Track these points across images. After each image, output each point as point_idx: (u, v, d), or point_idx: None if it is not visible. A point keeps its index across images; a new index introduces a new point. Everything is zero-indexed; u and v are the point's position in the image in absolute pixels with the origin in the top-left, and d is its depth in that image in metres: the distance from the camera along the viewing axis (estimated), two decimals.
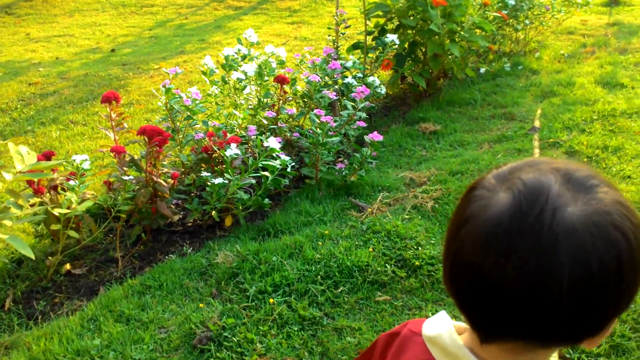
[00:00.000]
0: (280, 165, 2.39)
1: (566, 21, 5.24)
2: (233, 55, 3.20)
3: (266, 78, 3.25)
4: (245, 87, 3.19)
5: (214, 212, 2.43)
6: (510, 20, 4.57)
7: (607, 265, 0.52)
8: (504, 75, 4.31)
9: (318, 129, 2.68)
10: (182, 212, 2.68)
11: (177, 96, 2.70)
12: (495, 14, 3.85)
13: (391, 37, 3.38)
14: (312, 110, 2.86)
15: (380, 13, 3.82)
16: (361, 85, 3.31)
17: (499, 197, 0.55)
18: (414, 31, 3.77)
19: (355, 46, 3.91)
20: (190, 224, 2.60)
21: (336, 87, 3.43)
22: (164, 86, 2.64)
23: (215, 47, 5.74)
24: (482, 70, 4.33)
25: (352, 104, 2.91)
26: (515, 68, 4.42)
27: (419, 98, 4.03)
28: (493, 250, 0.54)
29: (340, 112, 3.03)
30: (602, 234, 0.52)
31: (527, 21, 4.69)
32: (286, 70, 3.41)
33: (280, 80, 3.20)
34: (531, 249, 0.52)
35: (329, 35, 3.81)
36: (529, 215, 0.52)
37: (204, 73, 3.17)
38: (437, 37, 3.61)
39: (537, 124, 3.31)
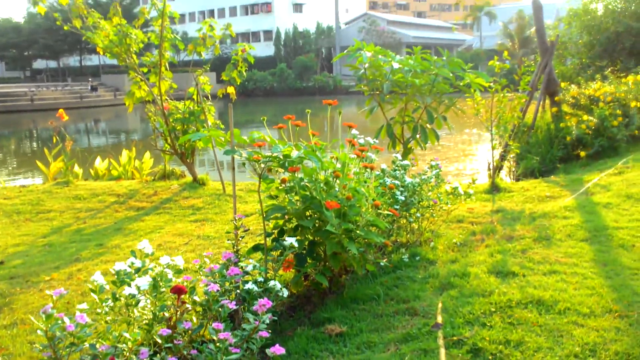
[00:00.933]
0: None
1: (454, 211, 5.59)
2: (125, 270, 3.07)
3: (162, 289, 3.12)
4: (138, 301, 3.02)
5: None
6: (404, 213, 4.81)
7: None
8: (403, 267, 4.41)
9: (216, 346, 2.52)
10: None
11: (59, 321, 2.49)
12: (387, 212, 4.04)
13: (290, 240, 3.42)
14: (212, 322, 2.72)
15: (279, 215, 3.90)
16: (262, 289, 3.25)
17: None
18: (312, 231, 3.85)
19: (255, 248, 3.91)
20: None
21: (237, 291, 3.34)
22: (44, 312, 2.43)
23: (114, 252, 5.57)
24: (382, 263, 4.42)
25: (254, 316, 2.80)
26: (413, 259, 4.56)
27: (324, 295, 4.00)
28: None
29: (243, 325, 2.90)
30: None
31: (418, 214, 4.96)
32: (184, 279, 3.30)
33: (177, 290, 3.08)
34: None
35: (229, 240, 3.80)
36: None
37: (93, 291, 2.99)
38: (334, 236, 3.69)
39: (439, 319, 3.32)
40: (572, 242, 4.57)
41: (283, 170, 3.85)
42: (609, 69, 13.23)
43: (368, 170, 4.09)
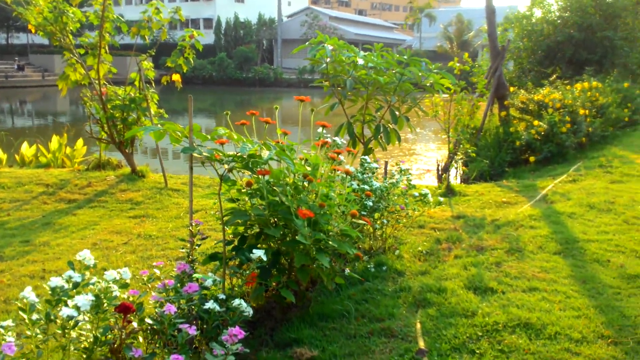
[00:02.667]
0: None
1: (415, 213, 5.31)
2: (62, 287, 2.57)
3: (106, 308, 2.65)
4: (77, 322, 2.54)
5: None
6: (370, 220, 4.47)
7: None
8: (370, 277, 4.08)
9: None
10: None
11: None
12: (360, 221, 3.68)
13: (257, 253, 3.00)
14: (165, 348, 2.29)
15: (240, 221, 3.47)
16: (224, 309, 2.84)
17: None
18: (278, 240, 3.45)
19: (212, 257, 3.47)
20: None
21: (192, 305, 2.91)
22: None
23: (42, 250, 4.96)
24: (347, 272, 4.07)
25: (223, 348, 2.37)
26: (379, 269, 4.23)
27: (286, 310, 3.61)
28: None
29: (206, 357, 2.46)
30: None
31: (384, 220, 4.64)
32: (131, 293, 2.83)
33: (124, 309, 2.62)
34: None
35: (183, 247, 3.34)
36: None
37: (23, 310, 2.48)
38: (303, 247, 3.30)
39: (421, 344, 3.00)
40: (544, 255, 4.37)
41: (246, 172, 3.43)
42: (555, 76, 13.41)
43: (339, 174, 3.72)
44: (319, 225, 3.38)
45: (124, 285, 2.84)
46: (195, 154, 3.25)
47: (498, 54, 10.96)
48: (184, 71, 7.91)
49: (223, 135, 3.30)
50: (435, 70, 5.86)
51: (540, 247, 4.54)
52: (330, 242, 3.34)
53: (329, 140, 3.95)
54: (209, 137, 3.37)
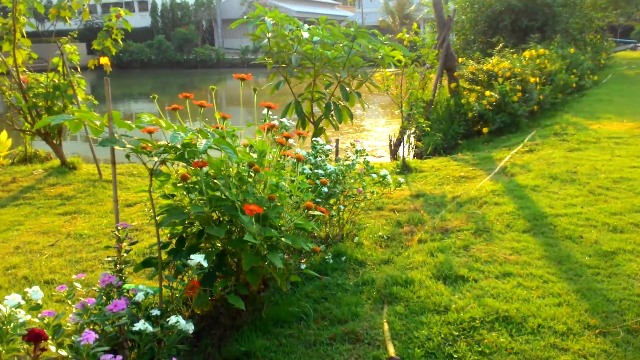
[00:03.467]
0: None
1: (374, 196, 4.95)
2: None
3: (12, 337, 2.17)
4: None
5: None
6: (326, 206, 4.07)
7: None
8: (329, 270, 3.68)
9: None
10: None
11: None
12: (316, 212, 3.26)
13: (196, 258, 2.53)
14: None
15: (177, 221, 2.99)
16: (158, 329, 2.39)
17: None
18: (223, 239, 2.99)
19: (146, 263, 2.98)
20: None
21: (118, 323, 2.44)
22: None
23: None
24: (303, 266, 3.66)
25: None
26: (338, 259, 3.84)
27: (236, 316, 3.17)
28: None
29: None
30: None
31: (341, 205, 4.24)
32: (45, 314, 2.34)
33: (34, 337, 2.16)
34: None
35: (108, 256, 2.84)
36: None
37: None
38: (252, 246, 2.86)
39: (391, 350, 2.62)
40: (513, 234, 4.07)
41: (182, 164, 2.95)
42: (501, 45, 13.25)
43: (289, 159, 3.28)
44: (269, 219, 2.94)
45: (35, 307, 2.35)
46: (117, 147, 2.75)
47: (444, 24, 10.65)
48: (113, 53, 7.25)
49: (149, 123, 2.81)
50: (386, 42, 5.45)
51: (508, 226, 4.24)
52: (283, 239, 2.91)
53: (275, 122, 3.49)
54: (134, 125, 2.87)
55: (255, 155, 3.18)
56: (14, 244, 4.68)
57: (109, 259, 2.80)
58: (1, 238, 4.88)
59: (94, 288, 2.67)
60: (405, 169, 7.06)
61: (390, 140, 9.68)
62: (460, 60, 11.35)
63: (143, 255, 4.10)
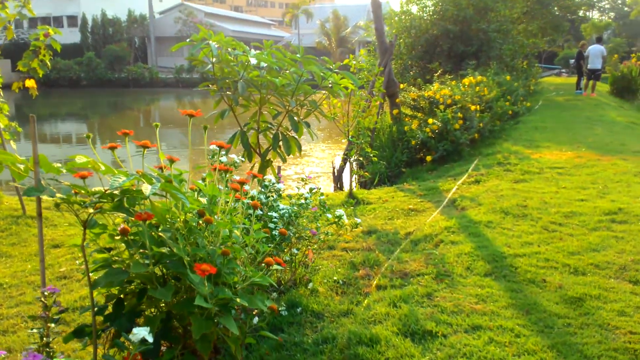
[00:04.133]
0: None
1: (328, 237, 4.68)
2: None
3: None
4: None
5: None
6: (279, 253, 3.76)
7: None
8: (284, 324, 3.37)
9: None
10: None
11: None
12: (277, 266, 2.94)
13: (141, 333, 2.17)
14: None
15: (115, 282, 2.60)
16: None
17: None
18: (169, 302, 2.63)
19: (78, 333, 2.57)
20: None
21: None
22: None
23: None
24: (256, 322, 3.32)
25: None
26: (293, 311, 3.53)
27: None
28: None
29: None
30: None
31: (294, 249, 3.94)
32: None
33: None
34: None
35: (34, 329, 2.42)
36: None
37: None
38: (204, 311, 2.52)
39: None
40: (475, 278, 3.88)
41: (119, 213, 2.58)
42: (440, 70, 13.40)
43: (242, 204, 2.96)
44: (222, 277, 2.60)
45: None
46: (45, 196, 2.35)
47: (386, 49, 10.63)
48: (40, 75, 6.70)
49: (83, 166, 2.43)
50: (335, 70, 5.24)
51: (468, 269, 4.05)
52: (238, 300, 2.58)
53: (231, 166, 3.17)
54: (64, 170, 2.48)
55: (204, 201, 2.85)
56: None
57: (34, 330, 2.37)
58: None
59: None
60: (352, 199, 6.85)
61: (334, 169, 9.48)
62: (401, 86, 11.34)
63: (73, 310, 3.65)
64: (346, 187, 9.16)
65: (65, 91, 37.97)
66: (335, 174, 9.39)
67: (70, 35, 45.00)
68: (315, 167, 12.70)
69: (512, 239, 4.62)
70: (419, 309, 3.41)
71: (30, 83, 6.64)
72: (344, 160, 9.53)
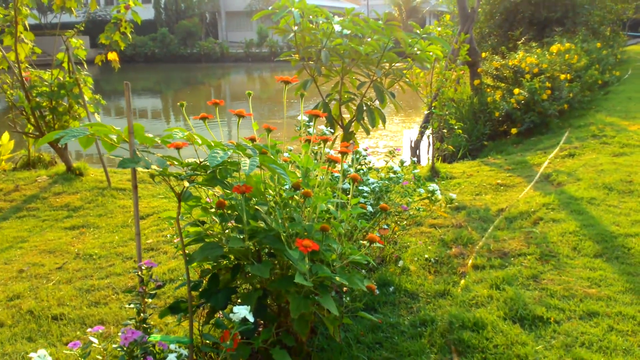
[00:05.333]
0: None
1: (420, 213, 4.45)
2: None
3: None
4: None
5: None
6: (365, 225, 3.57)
7: None
8: (377, 304, 3.20)
9: None
10: None
11: None
12: (377, 244, 2.76)
13: (241, 312, 2.04)
14: None
15: (210, 257, 2.49)
16: None
17: None
18: (266, 279, 2.50)
19: (174, 309, 2.49)
20: None
21: None
22: None
23: None
24: (347, 299, 3.17)
25: None
26: (385, 290, 3.35)
27: None
28: None
29: None
30: None
31: (384, 225, 3.75)
32: None
33: None
34: None
35: (130, 303, 2.34)
36: None
37: None
38: (301, 289, 2.38)
39: None
40: (584, 259, 3.57)
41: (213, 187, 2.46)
42: (524, 38, 12.69)
43: (343, 179, 2.78)
44: (319, 254, 2.45)
45: None
46: (140, 168, 2.25)
47: (467, 17, 10.11)
48: (122, 48, 6.75)
49: (176, 140, 2.31)
50: (423, 35, 4.95)
51: (575, 249, 3.74)
52: (337, 278, 2.42)
53: (329, 135, 3.00)
54: (159, 140, 2.38)
55: (299, 173, 2.69)
56: (17, 265, 4.19)
57: (132, 305, 2.30)
58: (3, 258, 4.39)
59: (113, 345, 2.19)
60: (434, 174, 6.57)
61: (411, 141, 9.18)
62: (482, 55, 10.80)
63: (162, 282, 3.61)
64: (423, 161, 8.85)
65: (141, 67, 38.99)
66: (412, 147, 9.09)
67: (144, 12, 46.03)
68: (389, 140, 12.39)
69: (620, 217, 4.24)
70: (525, 292, 3.15)
71: (112, 56, 6.70)
72: (421, 133, 9.21)
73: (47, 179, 6.59)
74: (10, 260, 4.37)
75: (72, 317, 3.23)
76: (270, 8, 4.98)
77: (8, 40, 6.43)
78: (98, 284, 3.73)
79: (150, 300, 2.32)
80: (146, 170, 2.22)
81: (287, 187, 2.53)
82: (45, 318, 3.22)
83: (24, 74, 6.38)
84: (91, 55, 7.20)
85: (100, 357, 2.17)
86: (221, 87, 29.78)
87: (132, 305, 2.27)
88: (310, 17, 5.05)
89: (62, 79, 6.51)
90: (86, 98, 6.51)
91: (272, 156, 2.46)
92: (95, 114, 6.90)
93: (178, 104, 2.90)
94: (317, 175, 2.73)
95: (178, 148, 2.30)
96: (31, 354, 1.89)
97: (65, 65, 6.54)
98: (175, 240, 3.16)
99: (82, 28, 6.58)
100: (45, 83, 6.47)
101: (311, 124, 3.43)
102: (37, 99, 6.39)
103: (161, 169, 2.21)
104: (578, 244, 3.79)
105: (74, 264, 4.20)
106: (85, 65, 6.85)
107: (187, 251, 2.43)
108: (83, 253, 4.40)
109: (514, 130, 8.64)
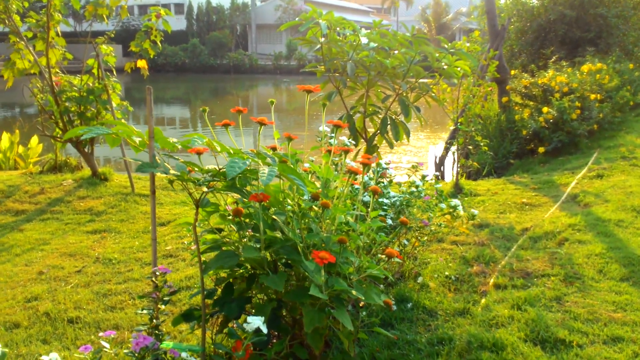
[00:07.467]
0: None
1: (441, 229, 4.38)
2: None
3: None
4: None
5: None
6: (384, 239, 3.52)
7: None
8: (394, 320, 3.14)
9: None
10: None
11: None
12: (396, 259, 2.71)
13: (255, 322, 2.01)
14: None
15: (225, 265, 2.47)
16: None
17: None
18: (275, 291, 2.47)
19: (187, 316, 2.47)
20: None
21: None
22: None
23: None
24: (363, 314, 3.11)
25: None
26: (403, 306, 3.29)
27: None
28: None
29: None
30: None
31: (405, 240, 3.70)
32: None
33: None
34: None
35: (144, 309, 2.33)
36: None
37: None
38: (316, 302, 2.33)
39: None
40: (610, 282, 3.46)
41: (232, 193, 2.45)
42: (555, 57, 12.54)
43: (362, 191, 2.74)
44: (336, 266, 2.40)
45: None
46: (158, 172, 2.25)
47: (497, 34, 10.04)
48: (151, 56, 6.84)
49: (196, 145, 2.30)
50: (451, 50, 4.90)
51: (601, 272, 3.63)
52: (354, 292, 2.37)
53: (351, 147, 2.97)
54: (179, 145, 2.37)
55: (318, 184, 2.66)
56: (37, 267, 4.23)
57: (144, 311, 2.29)
58: (25, 259, 4.44)
59: (124, 350, 2.17)
60: (458, 190, 6.48)
61: (436, 157, 9.11)
62: (513, 72, 10.69)
63: (178, 290, 3.61)
64: (447, 178, 8.76)
65: (171, 76, 39.56)
66: (437, 163, 9.01)
67: (176, 23, 46.81)
68: (413, 156, 12.31)
69: None
70: (547, 313, 3.06)
71: (142, 63, 6.78)
72: (446, 149, 9.12)
73: (73, 182, 6.68)
74: (31, 261, 4.41)
75: (88, 320, 3.23)
76: (297, 19, 4.99)
77: (40, 46, 6.56)
78: (115, 288, 3.73)
79: (163, 306, 2.30)
80: (165, 175, 2.22)
81: (306, 197, 2.50)
82: (61, 321, 3.23)
83: (54, 78, 6.49)
84: (124, 64, 7.32)
85: None
86: (249, 98, 30.04)
87: (144, 311, 2.25)
88: (337, 29, 5.05)
89: (91, 84, 6.61)
90: (114, 104, 6.60)
91: (291, 165, 2.43)
92: (122, 120, 6.98)
93: (200, 109, 2.90)
94: (337, 187, 2.70)
95: (199, 153, 2.29)
96: (43, 357, 1.88)
97: (94, 71, 6.64)
98: (192, 247, 3.15)
99: (113, 35, 6.68)
100: (75, 88, 6.58)
101: (333, 135, 3.40)
102: (66, 104, 6.50)
103: (179, 174, 2.20)
104: (604, 267, 3.68)
105: (93, 267, 4.22)
106: (115, 72, 6.95)
107: (203, 259, 2.42)
108: (103, 257, 4.42)
109: (541, 149, 8.50)
